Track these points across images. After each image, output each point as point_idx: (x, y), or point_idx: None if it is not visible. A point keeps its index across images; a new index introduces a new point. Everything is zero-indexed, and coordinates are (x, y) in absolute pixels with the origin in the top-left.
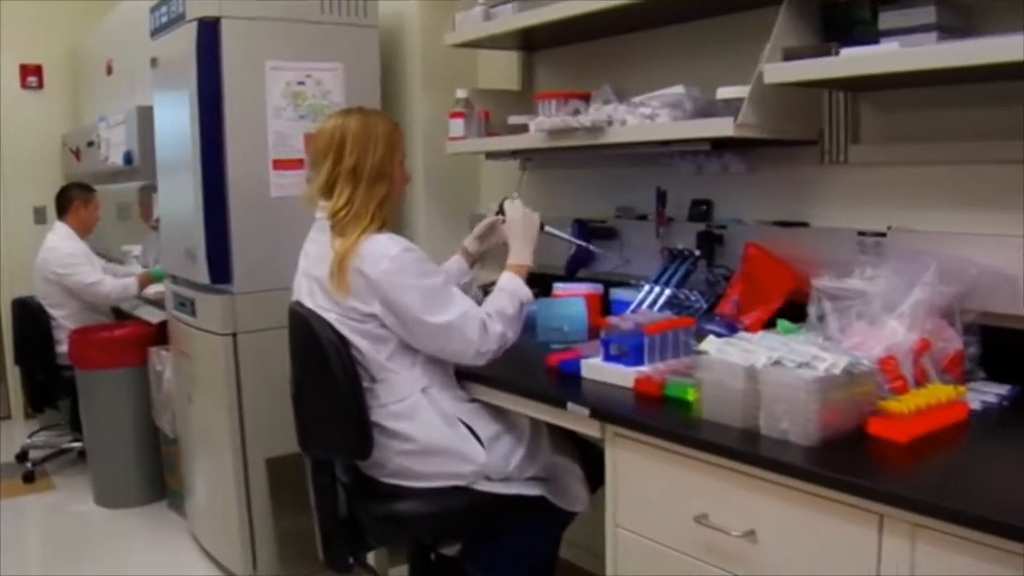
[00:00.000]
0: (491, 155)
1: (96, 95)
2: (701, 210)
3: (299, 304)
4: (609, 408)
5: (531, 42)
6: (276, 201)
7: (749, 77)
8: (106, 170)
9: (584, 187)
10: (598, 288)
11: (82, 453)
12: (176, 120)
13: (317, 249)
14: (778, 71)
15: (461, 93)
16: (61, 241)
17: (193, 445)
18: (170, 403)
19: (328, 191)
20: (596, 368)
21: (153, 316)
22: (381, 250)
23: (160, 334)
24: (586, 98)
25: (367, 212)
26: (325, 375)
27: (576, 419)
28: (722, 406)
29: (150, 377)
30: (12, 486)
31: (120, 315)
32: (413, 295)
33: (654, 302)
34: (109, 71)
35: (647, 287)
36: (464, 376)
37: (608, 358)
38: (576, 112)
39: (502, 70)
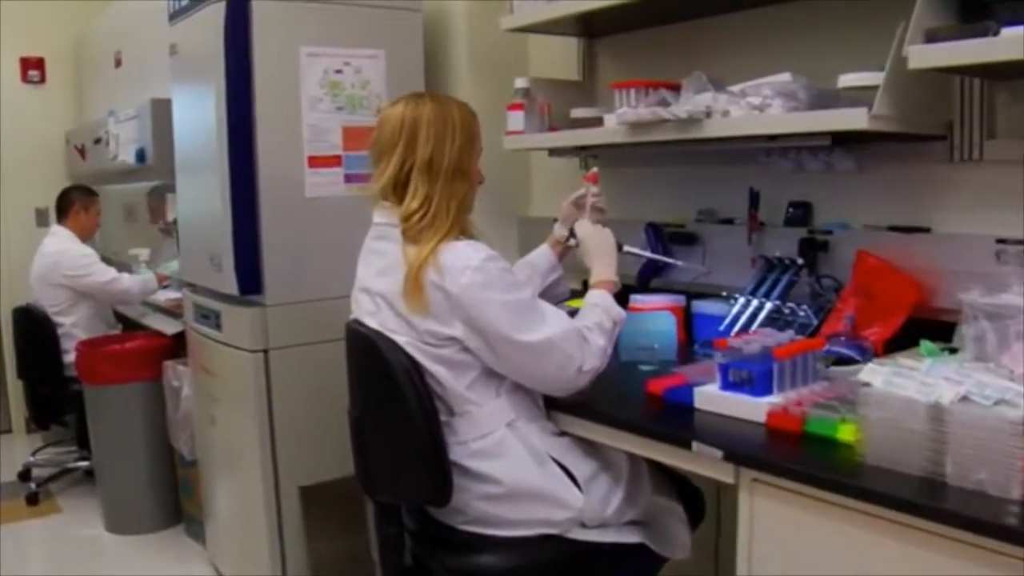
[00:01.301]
0: (553, 152)
1: (103, 89)
2: (799, 213)
3: (360, 323)
4: (744, 449)
5: (593, 27)
6: (311, 202)
7: (850, 64)
8: (115, 169)
9: (658, 187)
10: (680, 300)
11: (89, 472)
12: (199, 113)
13: (383, 260)
14: (927, 54)
15: (521, 83)
16: (69, 243)
17: (216, 470)
18: (188, 423)
19: (397, 189)
20: (713, 398)
21: (165, 325)
22: (462, 260)
23: (176, 346)
24: (673, 87)
25: (447, 215)
26: (396, 408)
27: (701, 461)
28: (894, 450)
29: (165, 393)
30: (14, 509)
31: (128, 325)
32: (500, 312)
33: (753, 317)
34: (118, 63)
35: (742, 300)
36: (552, 406)
37: (727, 386)
38: (663, 102)
39: (556, 58)
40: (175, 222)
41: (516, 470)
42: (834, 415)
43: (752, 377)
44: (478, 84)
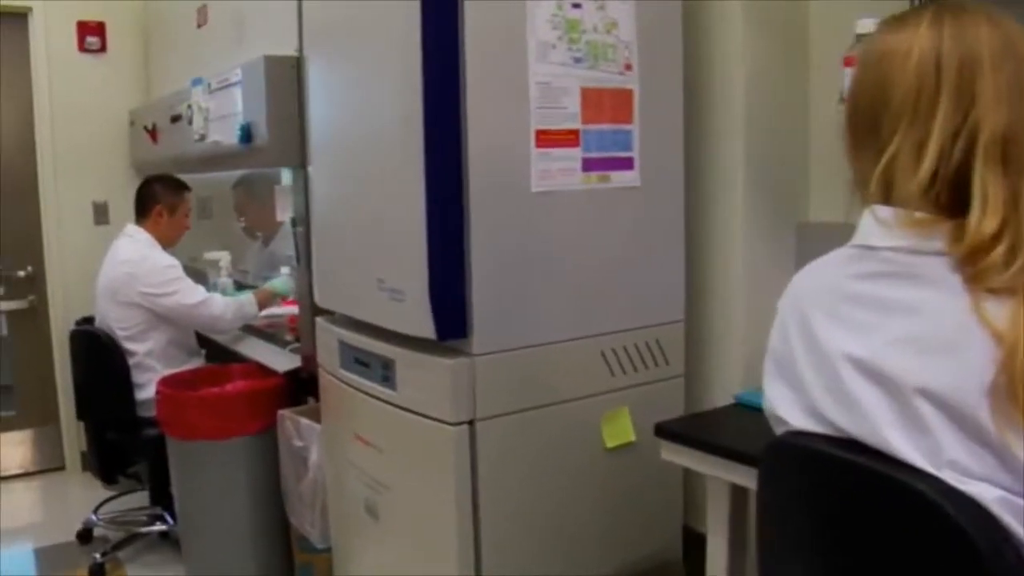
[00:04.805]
0: None
1: (180, 56)
2: None
3: (858, 448)
4: None
5: None
6: (539, 199)
7: None
8: (200, 154)
9: None
10: None
11: (165, 534)
12: (361, 69)
13: (912, 322)
14: None
15: (865, 26)
16: (148, 250)
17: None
18: (318, 499)
19: (939, 190)
20: None
21: (269, 356)
22: None
23: (292, 388)
24: None
25: None
26: None
27: None
28: None
29: (280, 453)
30: None
31: (213, 351)
32: None
33: None
34: (201, 23)
35: None
36: None
37: None
38: None
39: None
40: (294, 223)
41: None
42: None
43: None
44: (757, 39)
